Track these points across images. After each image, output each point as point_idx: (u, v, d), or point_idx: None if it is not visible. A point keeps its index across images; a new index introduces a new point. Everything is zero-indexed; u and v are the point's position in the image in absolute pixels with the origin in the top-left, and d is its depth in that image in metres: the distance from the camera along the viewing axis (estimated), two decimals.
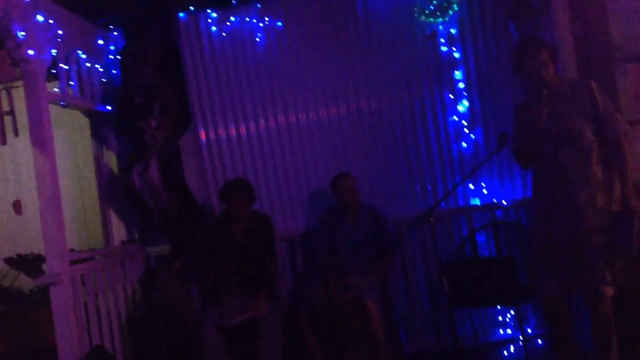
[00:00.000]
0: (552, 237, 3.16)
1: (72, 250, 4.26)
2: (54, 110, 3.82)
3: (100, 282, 4.04)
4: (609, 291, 3.07)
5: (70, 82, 4.17)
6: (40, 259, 4.79)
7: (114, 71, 4.65)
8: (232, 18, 4.69)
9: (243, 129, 4.74)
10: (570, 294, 3.33)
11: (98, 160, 4.62)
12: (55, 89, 4.02)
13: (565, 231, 3.11)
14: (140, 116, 4.37)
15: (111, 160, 4.69)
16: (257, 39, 4.68)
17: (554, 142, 3.14)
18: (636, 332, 3.51)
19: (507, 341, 4.33)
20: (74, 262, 3.73)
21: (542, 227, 3.22)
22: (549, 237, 3.18)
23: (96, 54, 4.48)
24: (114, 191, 4.61)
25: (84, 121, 4.74)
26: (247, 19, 4.68)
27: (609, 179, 3.10)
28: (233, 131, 4.75)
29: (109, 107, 4.53)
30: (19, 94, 4.76)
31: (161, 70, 4.58)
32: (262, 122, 4.73)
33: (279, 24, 4.65)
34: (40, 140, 3.50)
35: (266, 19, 4.66)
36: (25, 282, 5.14)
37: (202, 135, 4.75)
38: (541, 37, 3.93)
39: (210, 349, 3.79)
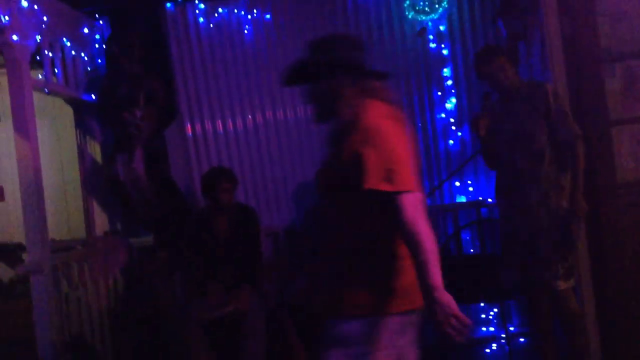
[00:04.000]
0: (510, 234, 3.34)
1: (53, 240, 4.19)
2: (37, 99, 3.76)
3: (82, 272, 3.98)
4: (562, 285, 3.21)
5: (55, 70, 4.11)
6: (21, 247, 4.70)
7: (99, 60, 4.59)
8: (220, 9, 4.65)
9: (230, 123, 4.71)
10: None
11: (81, 150, 4.55)
12: (39, 76, 3.95)
13: (520, 229, 3.27)
14: (125, 106, 4.31)
15: (95, 150, 4.62)
16: (245, 31, 4.65)
17: (509, 143, 3.30)
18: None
19: (489, 339, 4.33)
20: (55, 252, 3.67)
21: (503, 224, 3.42)
22: (508, 233, 3.36)
23: (81, 42, 4.42)
24: (97, 182, 4.54)
25: (68, 111, 4.67)
26: (236, 10, 4.65)
27: (561, 179, 3.22)
28: (220, 125, 4.71)
29: (93, 97, 4.47)
30: (2, 81, 4.67)
31: (147, 60, 4.52)
32: (249, 116, 4.70)
33: (268, 16, 4.62)
34: (23, 127, 3.43)
35: (255, 11, 4.63)
36: (5, 272, 5.05)
37: (189, 129, 4.70)
38: (529, 36, 3.97)
39: (194, 342, 3.75)
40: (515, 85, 3.30)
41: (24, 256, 3.68)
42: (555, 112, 3.20)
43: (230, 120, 4.70)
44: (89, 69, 4.51)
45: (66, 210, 5.18)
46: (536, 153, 3.22)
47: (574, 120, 3.24)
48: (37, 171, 3.46)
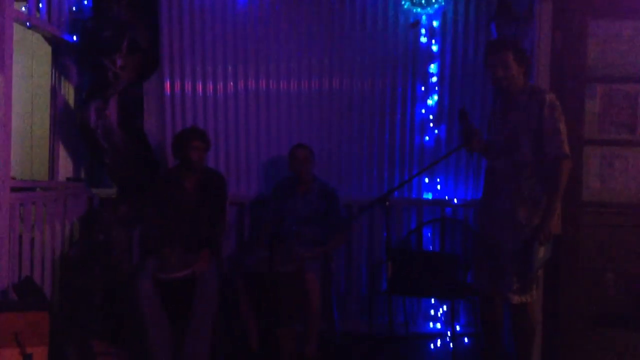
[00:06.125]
0: (481, 238, 3.36)
1: (13, 178, 4.09)
2: (17, 33, 3.64)
3: (39, 215, 3.90)
4: (515, 298, 3.16)
5: (39, 5, 3.99)
6: None
7: (85, 1, 4.48)
8: None
9: (210, 87, 4.64)
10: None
11: (55, 91, 4.45)
12: (22, 9, 3.84)
13: (487, 235, 3.29)
14: (107, 52, 4.23)
15: (69, 93, 4.52)
16: None
17: (496, 149, 3.27)
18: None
19: (434, 335, 4.41)
20: (14, 190, 3.59)
21: (478, 227, 3.43)
22: (478, 237, 3.41)
23: None
24: (66, 125, 4.45)
25: (46, 49, 4.55)
26: None
27: (537, 195, 3.12)
28: (200, 88, 4.65)
29: (74, 38, 4.36)
30: None
31: (135, 10, 4.42)
32: (230, 83, 4.64)
33: None
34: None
35: None
36: None
37: (167, 86, 4.63)
38: (520, 43, 4.00)
39: (144, 300, 3.71)
40: (518, 88, 3.19)
41: None
42: (547, 126, 3.07)
43: (211, 84, 4.64)
44: (74, 8, 4.40)
45: (31, 151, 5.06)
46: (517, 164, 3.16)
47: (565, 140, 3.08)
48: (7, 105, 3.36)
